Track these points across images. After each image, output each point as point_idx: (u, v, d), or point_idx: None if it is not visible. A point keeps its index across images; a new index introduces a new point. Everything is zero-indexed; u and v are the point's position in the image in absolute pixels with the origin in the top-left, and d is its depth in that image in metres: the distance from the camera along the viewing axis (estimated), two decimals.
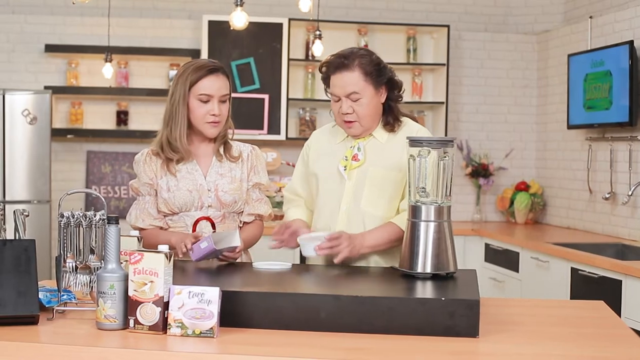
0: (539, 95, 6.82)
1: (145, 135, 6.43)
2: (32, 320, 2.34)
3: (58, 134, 6.27)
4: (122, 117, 6.51)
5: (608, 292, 4.30)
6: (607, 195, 5.57)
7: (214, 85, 3.05)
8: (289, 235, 3.07)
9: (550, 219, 6.60)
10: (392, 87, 3.08)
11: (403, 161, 2.97)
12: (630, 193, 5.08)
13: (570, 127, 6.02)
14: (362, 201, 3.07)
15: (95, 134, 6.44)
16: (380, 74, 3.03)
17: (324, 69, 3.09)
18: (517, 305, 2.93)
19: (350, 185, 3.09)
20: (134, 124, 6.55)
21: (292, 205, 3.29)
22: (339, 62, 3.03)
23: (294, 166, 6.60)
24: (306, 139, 6.51)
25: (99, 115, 6.52)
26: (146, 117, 6.54)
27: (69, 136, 6.38)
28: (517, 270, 5.54)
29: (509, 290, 5.58)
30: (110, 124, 6.53)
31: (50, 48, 6.35)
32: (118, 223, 2.33)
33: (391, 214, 3.07)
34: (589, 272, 4.58)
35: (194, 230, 3.07)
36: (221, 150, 3.15)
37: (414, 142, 2.75)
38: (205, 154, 3.14)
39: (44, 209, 5.86)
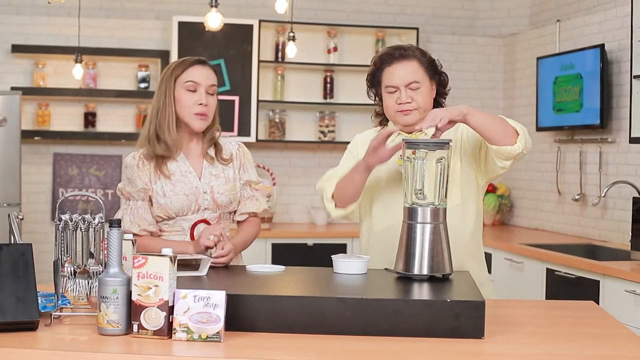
0: (506, 97, 6.89)
1: (113, 138, 6.36)
2: (31, 326, 2.29)
3: (25, 135, 6.13)
4: (90, 118, 6.41)
5: (584, 293, 4.35)
6: (577, 197, 5.63)
7: (201, 73, 3.02)
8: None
9: (517, 220, 6.66)
10: (441, 84, 3.11)
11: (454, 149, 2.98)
12: (603, 194, 5.14)
13: (539, 129, 6.08)
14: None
15: (63, 135, 6.33)
16: (434, 68, 3.06)
17: (378, 61, 3.06)
18: (514, 306, 2.95)
19: None
20: (101, 126, 6.46)
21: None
22: (399, 53, 3.03)
23: (264, 168, 6.61)
24: (276, 141, 6.59)
25: (66, 117, 6.42)
26: (114, 118, 6.46)
27: (36, 138, 6.28)
28: (489, 272, 5.56)
29: (482, 291, 5.60)
30: (77, 125, 6.44)
31: (17, 48, 6.23)
32: (120, 227, 2.30)
33: (458, 201, 3.01)
34: (565, 273, 4.63)
35: (191, 233, 3.02)
36: (211, 152, 3.10)
37: (410, 144, 2.75)
38: (196, 155, 3.09)
39: (14, 212, 5.74)
